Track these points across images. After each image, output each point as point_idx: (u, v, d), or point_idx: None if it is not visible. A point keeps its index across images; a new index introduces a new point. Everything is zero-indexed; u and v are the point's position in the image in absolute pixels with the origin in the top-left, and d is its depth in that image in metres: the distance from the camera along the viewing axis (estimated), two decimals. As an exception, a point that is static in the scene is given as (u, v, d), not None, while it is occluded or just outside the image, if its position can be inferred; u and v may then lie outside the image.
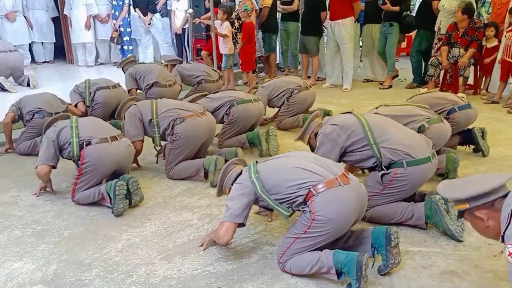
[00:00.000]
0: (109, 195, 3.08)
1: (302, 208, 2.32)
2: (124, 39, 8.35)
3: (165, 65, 5.87)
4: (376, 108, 3.63)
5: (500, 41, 6.03)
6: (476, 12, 6.60)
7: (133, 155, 3.52)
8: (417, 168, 2.73)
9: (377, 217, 2.84)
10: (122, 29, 8.30)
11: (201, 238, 2.72)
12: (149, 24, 8.17)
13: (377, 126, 2.83)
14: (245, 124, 4.27)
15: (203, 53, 7.44)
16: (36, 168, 3.32)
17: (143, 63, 6.17)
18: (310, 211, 2.26)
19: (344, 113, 3.06)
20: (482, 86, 6.50)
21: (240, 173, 2.55)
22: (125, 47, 8.42)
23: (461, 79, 6.19)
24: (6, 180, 3.80)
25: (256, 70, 7.57)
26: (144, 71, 5.25)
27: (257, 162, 2.52)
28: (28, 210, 3.23)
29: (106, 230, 2.93)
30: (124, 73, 5.45)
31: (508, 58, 5.69)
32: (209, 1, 7.06)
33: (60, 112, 4.19)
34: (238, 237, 2.79)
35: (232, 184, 2.55)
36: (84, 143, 3.17)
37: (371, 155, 2.79)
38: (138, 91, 5.40)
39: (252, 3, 6.96)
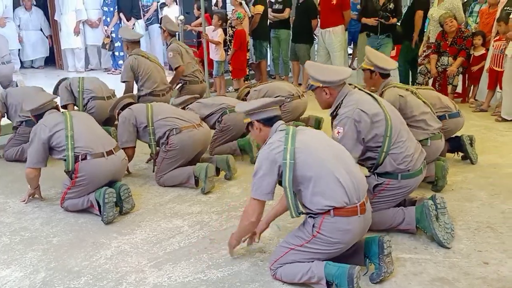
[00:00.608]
0: (98, 203, 3.04)
1: (310, 216, 2.29)
2: (116, 45, 8.32)
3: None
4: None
5: (487, 49, 6.11)
6: (464, 22, 6.69)
7: (127, 166, 3.47)
8: (410, 180, 2.80)
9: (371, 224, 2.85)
10: (113, 35, 8.28)
11: (228, 244, 2.60)
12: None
13: (395, 130, 2.76)
14: (237, 132, 4.27)
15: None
16: (25, 171, 3.26)
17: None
18: (315, 226, 2.24)
19: (369, 93, 2.86)
20: (470, 95, 6.57)
21: (271, 120, 2.41)
22: (116, 53, 8.38)
23: (449, 87, 6.25)
24: (-6, 186, 3.76)
25: (248, 77, 7.58)
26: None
27: (295, 134, 2.30)
28: (17, 217, 3.19)
29: (96, 237, 2.90)
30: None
31: (496, 67, 5.77)
32: (198, 9, 7.07)
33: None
34: (229, 244, 2.78)
35: (257, 121, 2.42)
36: (80, 156, 3.08)
37: (374, 158, 2.78)
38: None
39: (244, 11, 6.99)
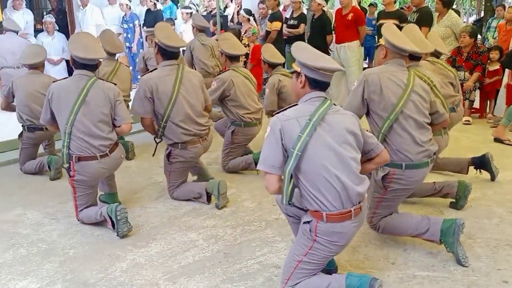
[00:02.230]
0: (110, 218, 3.05)
1: (304, 222, 2.26)
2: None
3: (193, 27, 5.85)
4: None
5: (503, 67, 6.06)
6: (481, 37, 6.66)
7: (121, 162, 3.37)
8: (414, 172, 2.75)
9: (390, 228, 2.85)
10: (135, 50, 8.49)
11: None
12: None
13: (402, 118, 2.70)
14: (246, 143, 4.35)
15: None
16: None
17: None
18: (311, 231, 2.22)
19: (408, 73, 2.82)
20: (488, 110, 6.50)
21: (316, 83, 2.23)
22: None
23: (466, 103, 6.20)
24: (12, 198, 3.81)
25: (264, 92, 7.62)
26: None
27: (317, 123, 2.16)
28: (34, 229, 3.23)
29: (111, 249, 2.92)
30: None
31: (513, 82, 5.73)
32: (214, 25, 7.16)
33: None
34: (243, 258, 2.77)
35: (306, 76, 2.23)
36: (74, 157, 3.08)
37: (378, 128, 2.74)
38: None
39: (257, 27, 7.07)
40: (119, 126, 3.25)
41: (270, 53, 4.68)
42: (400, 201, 2.92)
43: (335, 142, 2.17)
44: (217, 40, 6.69)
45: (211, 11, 9.30)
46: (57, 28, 7.73)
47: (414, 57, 3.13)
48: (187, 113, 3.46)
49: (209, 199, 3.57)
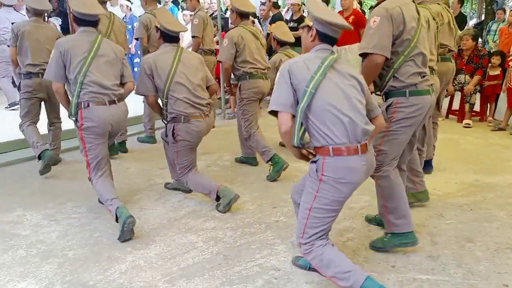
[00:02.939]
0: (117, 219, 3.06)
1: (311, 162, 2.26)
2: (135, 61, 8.50)
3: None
4: None
5: (504, 70, 6.07)
6: (481, 40, 6.67)
7: (127, 115, 3.44)
8: (418, 98, 2.70)
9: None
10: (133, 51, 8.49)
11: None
12: None
13: (415, 52, 2.69)
14: (256, 98, 4.37)
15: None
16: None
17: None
18: (318, 170, 2.21)
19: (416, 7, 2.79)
20: (488, 113, 6.51)
21: (325, 37, 2.29)
22: (136, 69, 8.55)
23: (467, 106, 6.20)
24: (12, 199, 3.81)
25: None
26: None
27: (328, 67, 2.22)
28: (33, 230, 3.22)
29: (110, 251, 2.91)
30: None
31: (514, 85, 5.74)
32: (215, 26, 7.17)
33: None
34: (243, 260, 2.76)
35: (317, 31, 2.29)
36: (82, 104, 3.16)
37: (388, 67, 2.70)
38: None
39: (259, 29, 7.09)
40: (125, 84, 3.44)
41: (281, 30, 4.78)
42: (406, 141, 2.79)
43: (344, 85, 2.24)
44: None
45: (212, 13, 9.30)
46: (60, 30, 7.75)
47: None
48: (187, 88, 3.47)
49: (217, 198, 3.53)
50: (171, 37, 3.54)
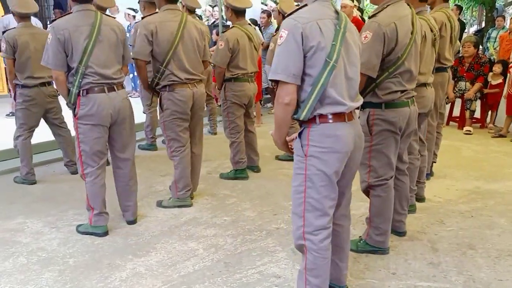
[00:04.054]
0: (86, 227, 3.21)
1: (297, 137, 2.09)
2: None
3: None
4: None
5: (505, 79, 6.09)
6: (482, 47, 6.70)
7: (130, 107, 3.31)
8: (394, 111, 2.65)
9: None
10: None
11: (275, 143, 2.19)
12: None
13: (401, 70, 2.62)
14: (241, 102, 4.34)
15: (213, 84, 7.53)
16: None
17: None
18: (303, 145, 2.04)
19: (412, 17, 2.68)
20: (489, 120, 6.51)
21: None
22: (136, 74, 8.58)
23: (467, 113, 6.21)
24: (14, 206, 3.81)
25: (262, 101, 7.65)
26: None
27: (345, 31, 2.01)
28: (34, 237, 3.22)
29: (111, 258, 2.91)
30: None
31: (515, 92, 5.76)
32: (217, 35, 7.21)
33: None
34: (244, 268, 2.76)
35: None
36: (82, 91, 3.04)
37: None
38: None
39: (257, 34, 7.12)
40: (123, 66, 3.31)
41: (287, 4, 4.69)
42: (393, 153, 2.73)
43: (352, 52, 2.07)
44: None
45: (214, 21, 9.36)
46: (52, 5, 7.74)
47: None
48: (186, 60, 3.47)
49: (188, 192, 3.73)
50: None
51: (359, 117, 2.54)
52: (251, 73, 4.35)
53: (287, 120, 2.03)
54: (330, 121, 2.01)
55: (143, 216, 3.54)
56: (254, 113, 7.36)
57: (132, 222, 3.40)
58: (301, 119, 2.02)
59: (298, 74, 1.95)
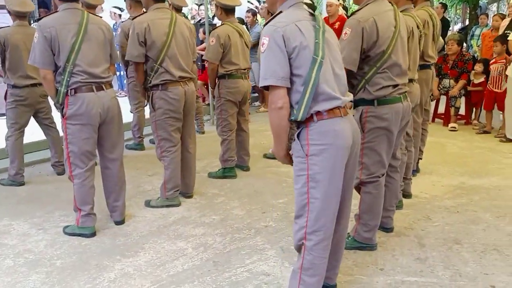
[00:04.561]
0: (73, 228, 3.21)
1: (295, 139, 2.09)
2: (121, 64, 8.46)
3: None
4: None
5: (486, 77, 6.20)
6: (466, 45, 6.79)
7: (118, 106, 3.26)
8: (386, 108, 2.67)
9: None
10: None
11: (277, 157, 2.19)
12: None
13: (388, 65, 2.64)
14: (235, 99, 4.33)
15: (199, 82, 7.52)
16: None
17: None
18: (303, 145, 2.03)
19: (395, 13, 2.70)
20: (473, 117, 6.61)
21: None
22: (122, 73, 8.51)
23: (452, 110, 6.29)
24: (-1, 208, 3.76)
25: (250, 99, 7.64)
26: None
27: (324, 32, 2.05)
28: (21, 239, 3.18)
29: (99, 259, 2.89)
30: None
31: (495, 88, 5.87)
32: (204, 33, 7.19)
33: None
34: (233, 266, 2.76)
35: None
36: (70, 91, 2.99)
37: (354, 84, 2.68)
38: None
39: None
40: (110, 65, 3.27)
41: None
42: (385, 150, 2.75)
43: (334, 50, 2.12)
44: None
45: (200, 20, 9.33)
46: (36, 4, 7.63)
47: None
48: (178, 58, 3.48)
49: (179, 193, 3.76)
50: None
51: (353, 115, 2.57)
52: (244, 69, 4.35)
53: (283, 125, 2.03)
54: (326, 117, 2.02)
55: (131, 216, 3.52)
56: (262, 107, 7.38)
57: (120, 222, 3.38)
58: (298, 119, 2.03)
59: (286, 76, 1.97)
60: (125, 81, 8.16)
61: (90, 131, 3.09)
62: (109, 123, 3.19)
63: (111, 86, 3.21)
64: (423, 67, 3.73)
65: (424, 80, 3.81)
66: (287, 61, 1.96)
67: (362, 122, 2.71)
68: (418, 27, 3.20)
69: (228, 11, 4.25)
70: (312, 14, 2.08)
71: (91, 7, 4.53)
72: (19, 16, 4.15)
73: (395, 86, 2.69)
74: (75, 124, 3.04)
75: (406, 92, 2.79)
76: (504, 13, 9.95)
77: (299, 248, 2.17)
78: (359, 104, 2.73)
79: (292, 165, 2.16)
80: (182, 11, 5.94)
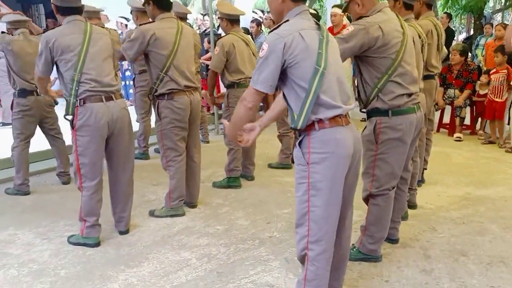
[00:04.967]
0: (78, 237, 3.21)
1: (297, 145, 2.10)
2: (126, 74, 8.53)
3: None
4: None
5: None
6: (471, 55, 6.78)
7: (129, 117, 3.27)
8: (400, 118, 2.65)
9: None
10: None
11: (227, 135, 2.34)
12: None
13: (398, 72, 2.61)
14: None
15: (203, 92, 7.54)
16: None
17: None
18: (304, 153, 2.05)
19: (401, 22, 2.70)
20: (478, 127, 6.58)
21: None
22: (128, 82, 8.58)
23: (457, 120, 6.27)
24: (4, 217, 3.77)
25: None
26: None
27: (328, 40, 2.08)
28: (25, 249, 3.19)
29: (103, 269, 2.88)
30: None
31: (496, 98, 5.86)
32: (209, 42, 7.23)
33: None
34: (237, 277, 2.75)
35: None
36: (79, 101, 3.01)
37: (366, 92, 2.67)
38: None
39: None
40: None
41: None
42: (398, 162, 2.73)
43: (337, 60, 2.15)
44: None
45: (205, 30, 9.39)
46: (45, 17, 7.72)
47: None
48: (183, 70, 3.50)
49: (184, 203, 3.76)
50: (165, 4, 3.49)
51: (365, 127, 2.59)
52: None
53: (244, 121, 2.16)
54: (328, 125, 2.03)
55: (135, 226, 3.52)
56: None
57: (124, 232, 3.38)
58: (298, 128, 2.04)
59: (274, 84, 2.05)
60: (130, 90, 8.22)
61: (100, 142, 3.10)
62: (118, 135, 3.19)
63: (121, 96, 3.24)
64: (426, 77, 3.73)
65: (428, 90, 3.80)
66: (279, 71, 2.02)
67: (376, 133, 2.68)
68: (419, 36, 3.21)
69: (233, 21, 4.28)
70: (317, 24, 2.10)
71: (93, 17, 4.58)
72: (16, 27, 4.21)
73: (409, 95, 2.68)
74: (84, 136, 3.04)
75: (419, 102, 2.78)
76: (508, 23, 9.96)
77: (302, 259, 2.16)
78: (372, 115, 2.71)
79: (236, 144, 2.29)
80: (188, 21, 5.99)
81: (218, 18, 4.36)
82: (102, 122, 3.05)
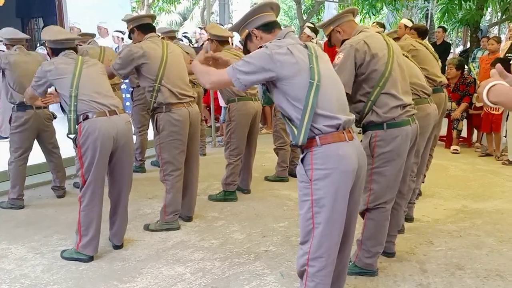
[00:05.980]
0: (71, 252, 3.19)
1: (300, 162, 2.10)
2: (122, 87, 8.54)
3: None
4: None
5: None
6: (467, 68, 6.81)
7: (131, 133, 3.28)
8: (396, 131, 2.65)
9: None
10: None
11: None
12: None
13: (390, 83, 2.65)
14: (246, 123, 4.31)
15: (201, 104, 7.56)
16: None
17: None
18: (306, 170, 2.04)
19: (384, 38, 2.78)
20: (475, 139, 6.59)
21: (269, 26, 2.21)
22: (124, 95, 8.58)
23: (454, 132, 6.28)
24: (-3, 232, 3.74)
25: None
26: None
27: (317, 57, 2.12)
28: (18, 264, 3.15)
29: (96, 285, 2.85)
30: None
31: (492, 110, 5.87)
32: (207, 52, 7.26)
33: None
34: (232, 292, 2.72)
35: (256, 29, 2.21)
36: (81, 117, 3.01)
37: (360, 108, 2.68)
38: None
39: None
40: None
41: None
42: (395, 176, 2.71)
43: (332, 73, 2.18)
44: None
45: (202, 43, 9.44)
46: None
47: None
48: (175, 79, 3.52)
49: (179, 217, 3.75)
50: (148, 27, 3.63)
51: (361, 141, 2.57)
52: (253, 90, 4.39)
53: (196, 75, 2.26)
54: (330, 141, 2.03)
55: (129, 240, 3.49)
56: (264, 129, 7.38)
57: (119, 247, 3.35)
58: (299, 144, 2.04)
59: (247, 86, 2.11)
60: (127, 103, 8.23)
61: (104, 157, 3.08)
62: (122, 151, 3.17)
63: (124, 110, 3.26)
64: (435, 90, 3.68)
65: (437, 103, 3.77)
66: (259, 77, 2.06)
67: (372, 147, 2.68)
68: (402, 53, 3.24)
69: (222, 42, 4.33)
70: (305, 45, 2.16)
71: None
72: (14, 44, 4.28)
73: (403, 107, 2.68)
74: (89, 152, 3.02)
75: (413, 114, 2.78)
76: (504, 36, 10.03)
77: (301, 274, 2.14)
78: (368, 129, 2.71)
79: (207, 62, 2.32)
80: (187, 35, 6.09)
81: (208, 39, 4.40)
82: (106, 137, 3.03)
